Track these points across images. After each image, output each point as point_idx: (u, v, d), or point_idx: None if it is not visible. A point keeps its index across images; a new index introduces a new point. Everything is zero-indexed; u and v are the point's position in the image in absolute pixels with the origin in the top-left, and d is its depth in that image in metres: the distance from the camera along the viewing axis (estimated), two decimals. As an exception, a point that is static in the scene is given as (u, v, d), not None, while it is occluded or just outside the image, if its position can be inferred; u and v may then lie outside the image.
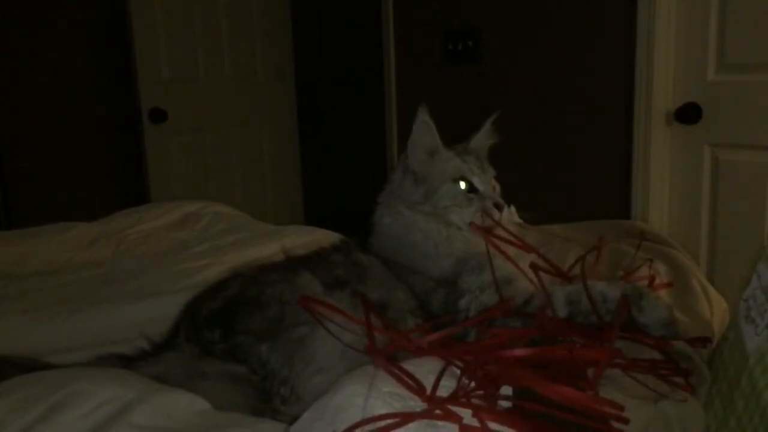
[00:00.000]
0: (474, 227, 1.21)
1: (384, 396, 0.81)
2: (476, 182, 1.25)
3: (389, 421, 0.76)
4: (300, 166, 3.98)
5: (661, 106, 2.25)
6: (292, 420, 0.87)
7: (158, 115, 3.21)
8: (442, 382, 0.85)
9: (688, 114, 2.18)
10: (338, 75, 4.83)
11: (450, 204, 1.23)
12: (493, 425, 0.78)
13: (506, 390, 0.86)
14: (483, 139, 1.33)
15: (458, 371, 0.89)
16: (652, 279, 1.28)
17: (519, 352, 0.91)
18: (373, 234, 1.29)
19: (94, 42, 3.41)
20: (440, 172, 1.25)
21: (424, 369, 0.88)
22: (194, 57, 3.37)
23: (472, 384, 0.86)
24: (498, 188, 1.30)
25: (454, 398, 0.83)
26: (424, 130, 1.25)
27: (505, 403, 0.84)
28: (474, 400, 0.83)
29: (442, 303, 1.17)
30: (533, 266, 1.17)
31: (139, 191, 3.33)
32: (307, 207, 4.07)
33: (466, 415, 0.79)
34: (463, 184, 1.24)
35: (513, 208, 1.48)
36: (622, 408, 0.82)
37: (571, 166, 2.55)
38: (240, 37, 3.52)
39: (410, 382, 0.84)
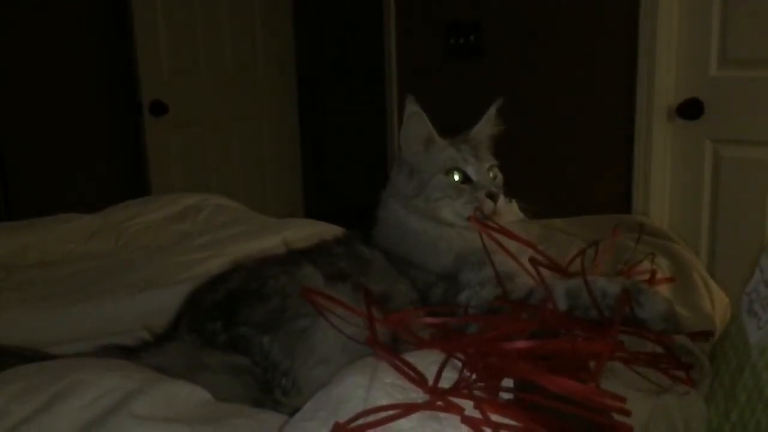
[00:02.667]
0: (472, 221, 1.17)
1: (386, 387, 0.81)
2: (470, 172, 1.21)
3: (391, 412, 0.76)
4: (300, 160, 3.98)
5: (662, 102, 2.24)
6: (293, 411, 0.87)
7: (159, 108, 3.21)
8: (444, 374, 0.85)
9: (689, 109, 2.18)
10: (339, 69, 4.82)
11: (441, 195, 1.19)
12: (494, 417, 0.78)
13: (508, 382, 0.86)
14: (485, 127, 1.29)
15: (460, 363, 0.89)
16: (653, 273, 1.28)
17: (521, 344, 0.91)
18: (375, 229, 1.28)
19: (95, 35, 3.40)
20: (433, 163, 1.22)
21: (426, 361, 0.88)
22: (195, 50, 3.37)
23: (474, 376, 0.86)
24: (500, 178, 1.26)
25: (455, 390, 0.83)
26: (415, 120, 1.22)
27: (506, 395, 0.84)
28: (476, 392, 0.83)
29: (441, 297, 1.16)
30: (533, 261, 1.16)
31: (140, 184, 3.33)
32: (307, 201, 4.07)
33: (468, 406, 0.79)
34: (456, 175, 1.20)
35: (515, 204, 1.46)
36: (623, 400, 0.82)
37: (573, 161, 2.55)
38: (241, 30, 3.51)
39: (412, 373, 0.84)
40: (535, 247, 1.20)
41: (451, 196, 1.19)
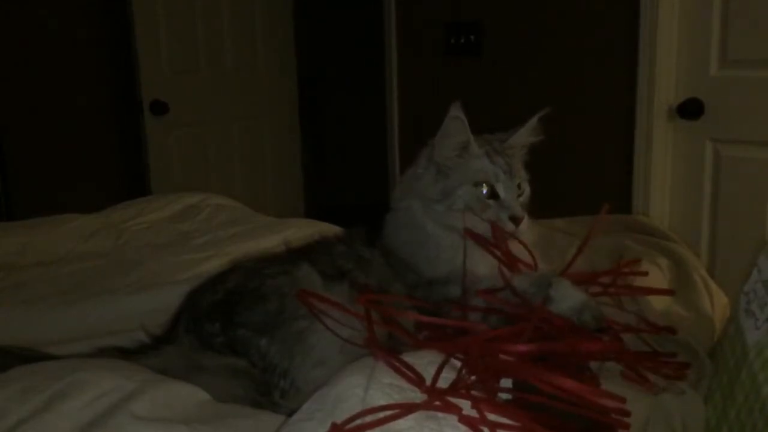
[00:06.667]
0: (467, 234, 1.14)
1: (384, 387, 0.81)
2: (499, 189, 1.16)
3: (389, 412, 0.77)
4: (300, 159, 3.97)
5: (663, 102, 2.24)
6: (292, 413, 0.87)
7: (159, 108, 3.21)
8: (443, 374, 0.86)
9: (690, 109, 2.18)
10: (339, 68, 4.82)
11: (464, 207, 1.16)
12: (492, 416, 0.78)
13: (506, 382, 0.86)
14: (525, 136, 1.25)
15: (458, 363, 0.89)
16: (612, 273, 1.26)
17: (522, 347, 0.90)
18: (385, 221, 1.25)
19: (96, 34, 3.40)
20: (464, 171, 1.17)
21: (425, 361, 0.88)
22: (195, 49, 3.37)
23: (473, 377, 0.86)
24: (526, 193, 1.22)
25: (453, 389, 0.83)
26: (455, 125, 1.17)
27: (505, 395, 0.84)
28: (474, 392, 0.83)
29: (422, 298, 1.15)
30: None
31: (140, 183, 3.33)
32: (308, 200, 4.07)
33: (466, 406, 0.79)
34: (484, 189, 1.16)
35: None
36: (623, 400, 0.81)
37: (573, 161, 2.55)
38: (241, 29, 3.51)
39: (410, 373, 0.84)
40: (532, 266, 1.18)
41: (474, 209, 1.16)
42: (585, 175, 2.54)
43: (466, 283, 1.11)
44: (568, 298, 1.04)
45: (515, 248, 1.16)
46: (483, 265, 1.12)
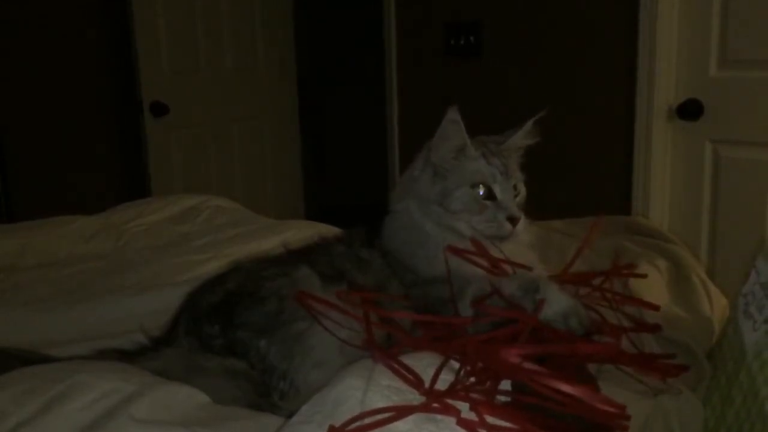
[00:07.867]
0: (448, 251, 1.14)
1: (383, 389, 0.81)
2: (496, 189, 1.18)
3: (388, 414, 0.77)
4: (301, 160, 3.98)
5: (662, 102, 2.24)
6: (291, 414, 0.87)
7: (159, 109, 3.21)
8: (442, 376, 0.86)
9: (689, 110, 2.18)
10: (339, 69, 4.83)
11: (462, 209, 1.17)
12: (491, 419, 0.78)
13: (505, 384, 0.86)
14: (521, 138, 1.25)
15: (457, 365, 0.89)
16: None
17: (521, 349, 0.90)
18: (384, 222, 1.26)
19: (96, 34, 3.40)
20: (460, 172, 1.19)
21: (424, 363, 0.88)
22: (195, 50, 3.37)
23: (472, 379, 0.86)
24: (522, 194, 1.23)
25: (452, 391, 0.83)
26: (452, 128, 1.17)
27: (504, 397, 0.84)
28: (472, 394, 0.83)
29: (420, 297, 1.15)
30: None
31: (140, 185, 3.33)
32: (308, 201, 4.08)
33: (464, 408, 0.79)
34: (481, 190, 1.17)
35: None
36: (623, 407, 0.81)
37: (573, 162, 2.55)
38: (241, 30, 3.52)
39: (408, 375, 0.85)
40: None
41: (472, 211, 1.17)
42: (584, 175, 2.54)
43: (452, 284, 1.11)
44: (554, 303, 1.02)
45: (509, 250, 1.17)
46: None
